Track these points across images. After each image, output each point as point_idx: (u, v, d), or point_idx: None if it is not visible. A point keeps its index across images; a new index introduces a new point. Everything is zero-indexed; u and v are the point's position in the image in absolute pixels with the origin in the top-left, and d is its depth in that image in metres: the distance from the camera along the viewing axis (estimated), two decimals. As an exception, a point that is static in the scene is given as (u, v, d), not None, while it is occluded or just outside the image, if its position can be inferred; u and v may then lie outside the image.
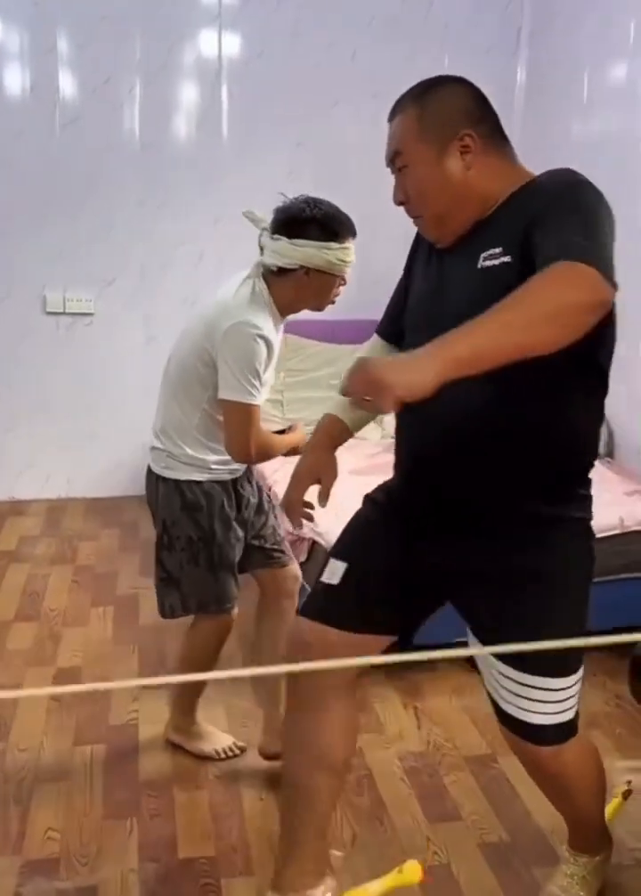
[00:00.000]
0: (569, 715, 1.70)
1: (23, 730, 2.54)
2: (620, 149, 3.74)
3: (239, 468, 2.31)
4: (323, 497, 1.85)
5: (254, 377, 2.08)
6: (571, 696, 1.69)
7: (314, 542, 2.88)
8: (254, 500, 2.39)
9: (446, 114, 1.57)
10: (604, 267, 1.31)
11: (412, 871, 1.85)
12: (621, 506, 3.10)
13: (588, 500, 1.68)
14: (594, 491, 1.70)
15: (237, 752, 2.45)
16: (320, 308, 2.26)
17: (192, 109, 4.43)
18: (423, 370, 1.23)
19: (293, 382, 4.27)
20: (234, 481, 2.32)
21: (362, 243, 4.80)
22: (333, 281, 2.17)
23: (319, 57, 4.40)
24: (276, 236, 2.14)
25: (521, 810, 2.26)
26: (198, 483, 2.24)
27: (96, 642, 3.09)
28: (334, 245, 2.11)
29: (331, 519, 2.91)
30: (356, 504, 2.95)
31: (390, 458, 4.11)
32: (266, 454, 2.25)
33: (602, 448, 3.78)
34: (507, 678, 1.66)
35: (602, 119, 3.95)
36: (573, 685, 1.69)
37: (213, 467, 2.25)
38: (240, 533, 2.31)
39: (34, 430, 4.49)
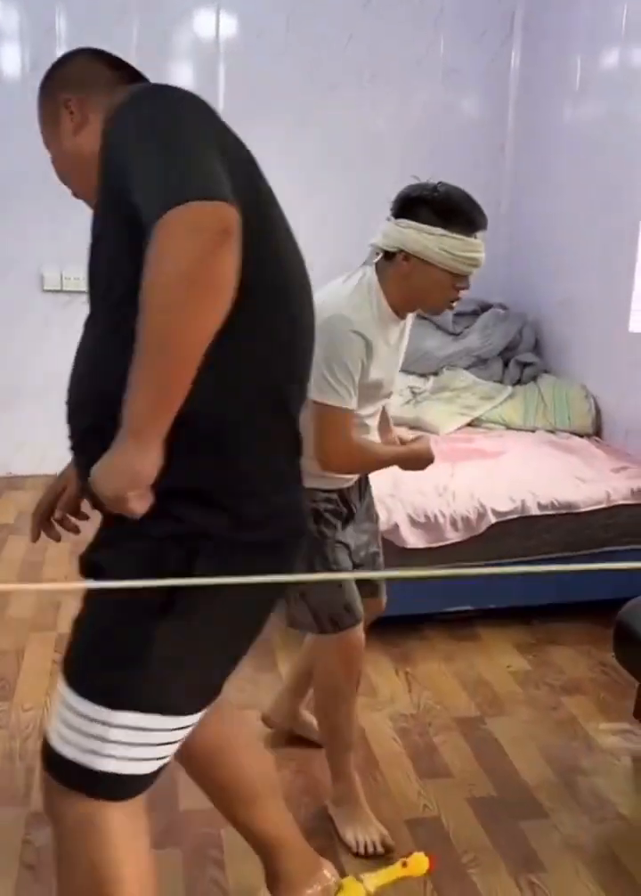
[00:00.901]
0: (98, 762, 1.26)
1: (27, 691, 2.62)
2: (612, 133, 3.81)
3: (350, 477, 2.07)
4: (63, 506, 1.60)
5: (344, 376, 1.85)
6: (107, 740, 1.25)
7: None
8: (361, 517, 2.16)
9: (51, 88, 1.43)
10: (199, 189, 1.07)
11: (418, 863, 1.83)
12: (608, 482, 3.19)
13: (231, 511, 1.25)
14: (585, 472, 1.68)
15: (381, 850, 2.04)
16: (432, 309, 2.03)
17: (191, 90, 4.46)
18: (129, 465, 1.12)
19: (288, 361, 4.33)
20: (345, 491, 2.07)
21: (356, 224, 4.89)
22: (440, 276, 1.87)
23: (315, 40, 4.46)
24: (389, 217, 1.93)
25: (508, 768, 2.35)
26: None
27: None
28: (439, 231, 1.83)
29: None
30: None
31: (382, 435, 4.16)
32: (358, 464, 2.00)
33: (590, 426, 3.88)
34: None
35: (594, 104, 4.02)
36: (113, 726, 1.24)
37: (312, 471, 1.93)
38: (351, 544, 2.10)
39: (31, 407, 4.55)
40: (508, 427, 3.96)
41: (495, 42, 4.64)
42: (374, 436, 2.10)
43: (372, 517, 2.23)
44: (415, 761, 2.37)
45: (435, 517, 2.94)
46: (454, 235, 1.83)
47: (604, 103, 3.94)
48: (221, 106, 4.43)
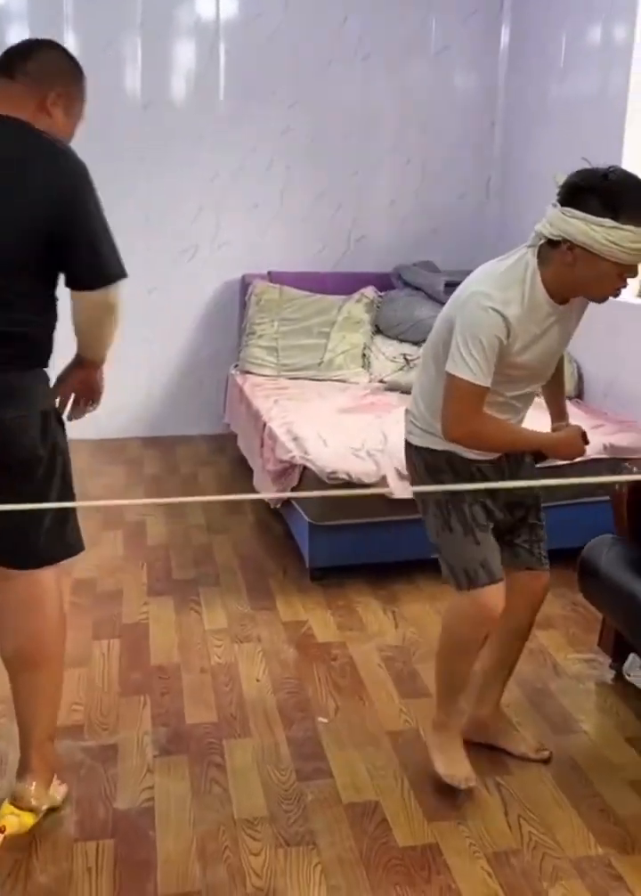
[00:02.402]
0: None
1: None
2: (594, 109, 4.00)
3: (491, 455, 2.06)
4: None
5: (477, 351, 1.85)
6: None
7: (305, 468, 3.19)
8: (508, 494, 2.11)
9: None
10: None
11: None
12: (584, 438, 3.41)
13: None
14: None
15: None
16: (595, 298, 1.95)
17: (191, 69, 4.66)
18: None
19: (286, 330, 4.55)
20: (483, 463, 2.06)
21: (352, 200, 5.09)
22: (607, 268, 1.82)
23: (312, 19, 4.63)
24: (555, 203, 1.87)
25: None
26: (437, 451, 2.05)
27: (108, 558, 3.42)
28: (608, 223, 1.76)
29: (320, 447, 3.25)
30: (345, 439, 3.27)
31: (375, 399, 4.41)
32: (484, 440, 1.99)
33: (572, 389, 4.10)
34: None
35: (577, 81, 4.20)
36: None
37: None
38: (496, 513, 2.09)
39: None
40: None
41: (486, 20, 4.80)
42: (523, 419, 2.09)
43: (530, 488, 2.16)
44: (397, 684, 2.61)
45: (421, 469, 3.17)
46: (624, 227, 1.76)
47: (586, 80, 4.12)
48: (221, 83, 4.65)
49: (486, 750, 2.28)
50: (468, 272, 2.07)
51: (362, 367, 4.48)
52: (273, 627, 2.93)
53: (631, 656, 2.61)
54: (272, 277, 4.75)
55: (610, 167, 1.82)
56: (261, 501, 3.67)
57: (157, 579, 3.27)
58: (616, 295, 1.91)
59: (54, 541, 1.96)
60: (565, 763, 2.29)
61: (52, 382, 1.98)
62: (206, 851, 1.95)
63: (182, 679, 2.62)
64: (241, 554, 3.49)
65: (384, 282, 4.78)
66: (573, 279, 1.88)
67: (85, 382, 2.08)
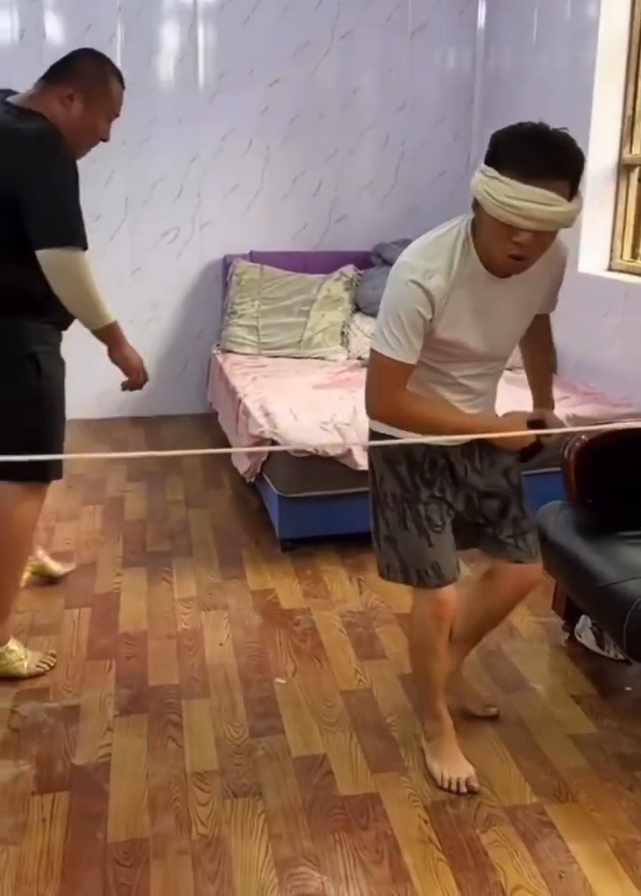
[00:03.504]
0: None
1: (20, 597, 2.96)
2: (566, 82, 4.03)
3: (458, 439, 1.96)
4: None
5: (396, 327, 1.78)
6: None
7: (273, 442, 3.26)
8: (478, 480, 2.04)
9: None
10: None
11: None
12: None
13: None
14: None
15: None
16: (497, 265, 1.77)
17: (171, 51, 4.71)
18: None
19: (267, 309, 4.62)
20: (445, 448, 1.98)
21: (332, 179, 5.12)
22: (492, 224, 1.69)
23: (288, 0, 4.67)
24: None
25: (439, 653, 2.67)
26: (393, 438, 1.97)
27: (86, 532, 3.51)
28: (490, 172, 1.66)
29: (290, 423, 3.32)
30: (316, 415, 3.34)
31: (351, 375, 4.45)
32: (405, 419, 1.89)
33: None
34: None
35: (550, 56, 4.23)
36: None
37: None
38: (456, 505, 2.03)
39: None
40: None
41: (462, -1, 4.83)
42: (489, 402, 2.02)
43: (508, 479, 2.08)
44: (356, 647, 2.70)
45: (387, 441, 3.24)
46: (501, 178, 1.64)
47: (558, 55, 4.15)
48: (200, 65, 4.70)
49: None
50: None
51: (341, 344, 4.55)
52: (241, 595, 3.02)
53: (582, 618, 2.68)
54: (254, 257, 4.81)
55: (536, 123, 1.70)
56: (237, 476, 3.75)
57: (132, 551, 3.36)
58: (517, 264, 1.75)
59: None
60: (512, 720, 2.37)
61: None
62: (156, 801, 2.04)
63: (148, 644, 2.71)
64: (217, 527, 3.58)
65: (365, 261, 4.84)
66: (482, 239, 1.76)
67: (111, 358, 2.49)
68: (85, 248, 2.23)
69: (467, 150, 5.02)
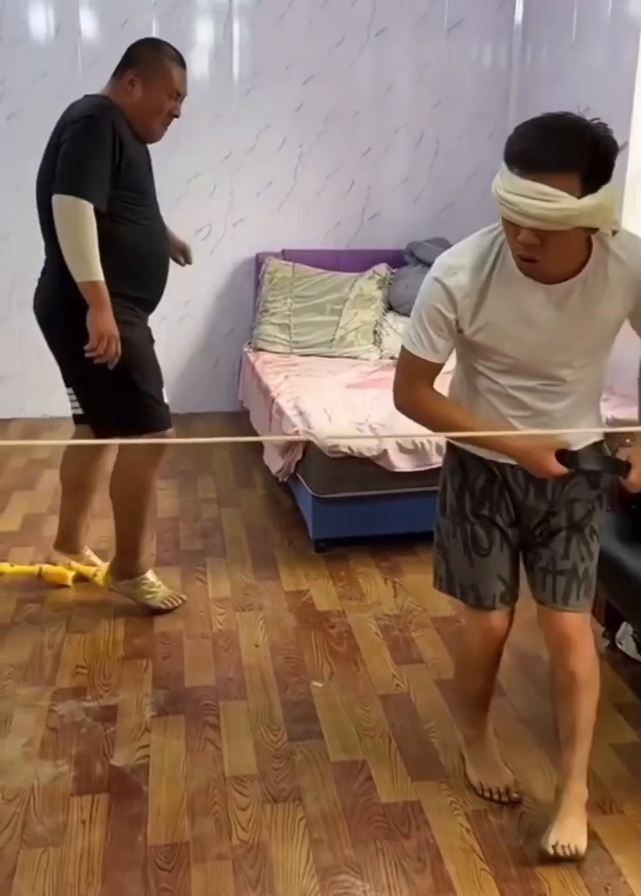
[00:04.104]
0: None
1: (57, 596, 2.98)
2: (605, 81, 3.98)
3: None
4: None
5: (418, 322, 1.74)
6: None
7: (308, 443, 3.24)
8: (543, 504, 1.87)
9: None
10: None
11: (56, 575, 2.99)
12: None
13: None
14: None
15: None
16: (520, 266, 1.66)
17: (205, 47, 4.70)
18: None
19: (299, 308, 4.60)
20: (502, 466, 1.85)
21: (366, 177, 5.09)
22: (506, 224, 1.62)
23: (324, -4, 4.65)
24: None
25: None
26: (450, 449, 1.94)
27: (119, 530, 3.51)
28: (503, 166, 1.57)
29: (324, 422, 3.31)
30: (350, 414, 3.32)
31: (384, 374, 4.43)
32: (422, 416, 1.83)
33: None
34: None
35: (589, 53, 4.17)
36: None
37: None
38: (510, 534, 1.91)
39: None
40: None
41: (500, -6, 4.78)
42: (540, 421, 1.79)
43: (570, 511, 1.87)
44: (392, 651, 2.68)
45: (422, 444, 3.22)
46: (506, 172, 1.55)
47: (597, 52, 4.09)
48: (235, 61, 4.68)
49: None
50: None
51: (374, 343, 4.52)
52: (275, 596, 3.01)
53: (623, 625, 2.64)
54: (286, 255, 4.79)
55: (560, 112, 1.58)
56: (269, 475, 3.74)
57: (165, 549, 3.36)
58: (528, 266, 1.63)
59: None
60: (549, 726, 2.32)
61: None
62: (195, 805, 2.04)
63: (184, 644, 2.70)
64: (249, 526, 3.57)
65: (398, 259, 4.81)
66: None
67: None
68: (91, 201, 2.42)
69: (502, 147, 4.95)
